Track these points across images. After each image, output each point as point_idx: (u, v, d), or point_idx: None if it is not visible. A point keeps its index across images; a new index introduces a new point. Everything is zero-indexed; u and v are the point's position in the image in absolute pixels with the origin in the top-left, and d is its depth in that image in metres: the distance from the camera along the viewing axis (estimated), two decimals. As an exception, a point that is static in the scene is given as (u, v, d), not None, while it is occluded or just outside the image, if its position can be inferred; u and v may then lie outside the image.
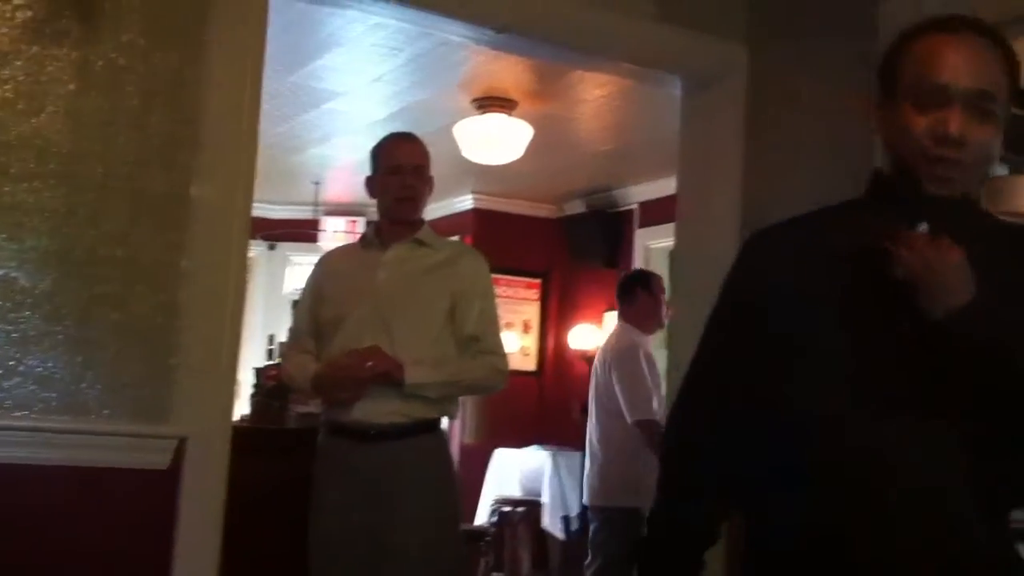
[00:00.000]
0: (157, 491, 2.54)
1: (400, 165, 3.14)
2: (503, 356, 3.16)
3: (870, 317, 1.48)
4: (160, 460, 2.53)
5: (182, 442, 2.55)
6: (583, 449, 5.55)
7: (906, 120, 1.49)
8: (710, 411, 1.64)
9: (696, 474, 1.64)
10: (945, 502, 1.45)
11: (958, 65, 1.48)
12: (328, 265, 3.27)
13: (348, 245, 3.43)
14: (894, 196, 1.54)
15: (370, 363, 2.90)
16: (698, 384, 1.69)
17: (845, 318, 1.49)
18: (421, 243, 3.15)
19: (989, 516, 1.48)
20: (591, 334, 7.58)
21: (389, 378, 2.92)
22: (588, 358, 7.58)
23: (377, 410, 2.94)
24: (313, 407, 4.17)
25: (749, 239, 1.67)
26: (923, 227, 1.45)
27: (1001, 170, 3.82)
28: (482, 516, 6.97)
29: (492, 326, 3.14)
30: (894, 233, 1.45)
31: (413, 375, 2.93)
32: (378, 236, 3.18)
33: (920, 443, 1.44)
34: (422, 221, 3.20)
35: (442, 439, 3.09)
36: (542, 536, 6.76)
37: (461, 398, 3.24)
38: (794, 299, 1.53)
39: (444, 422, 3.14)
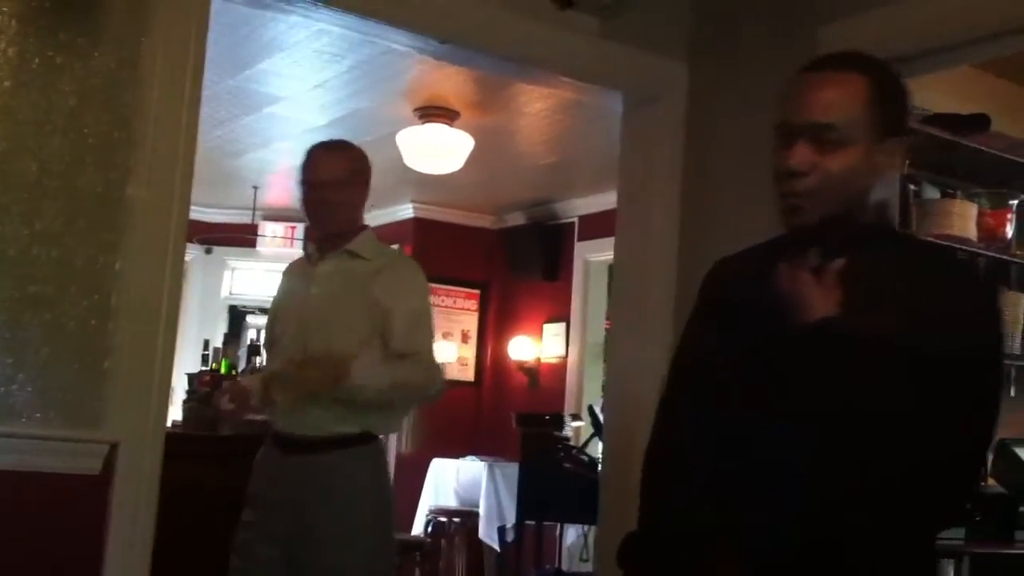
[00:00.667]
0: (88, 497, 2.50)
1: (305, 180, 3.01)
2: (439, 368, 3.07)
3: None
4: (91, 465, 2.50)
5: (114, 447, 2.52)
6: (520, 460, 5.57)
7: (772, 164, 1.63)
8: (685, 423, 1.73)
9: (678, 482, 1.71)
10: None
11: (803, 102, 1.60)
12: (283, 279, 3.22)
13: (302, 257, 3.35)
14: (795, 239, 1.66)
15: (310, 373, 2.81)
16: (671, 400, 1.78)
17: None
18: (353, 255, 3.03)
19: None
20: (530, 346, 7.61)
21: (336, 382, 2.78)
22: (526, 369, 7.63)
23: (301, 421, 2.87)
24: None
25: (711, 268, 1.82)
26: (812, 253, 1.58)
27: (932, 192, 3.91)
28: (418, 526, 6.95)
29: (426, 340, 2.99)
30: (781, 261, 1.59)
31: (358, 375, 2.79)
32: (318, 249, 3.09)
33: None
34: (363, 228, 3.09)
35: (370, 456, 2.94)
36: (478, 546, 6.76)
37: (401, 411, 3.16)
38: (752, 311, 1.65)
39: (390, 439, 3.06)
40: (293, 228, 8.20)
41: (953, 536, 3.45)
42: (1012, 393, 4.11)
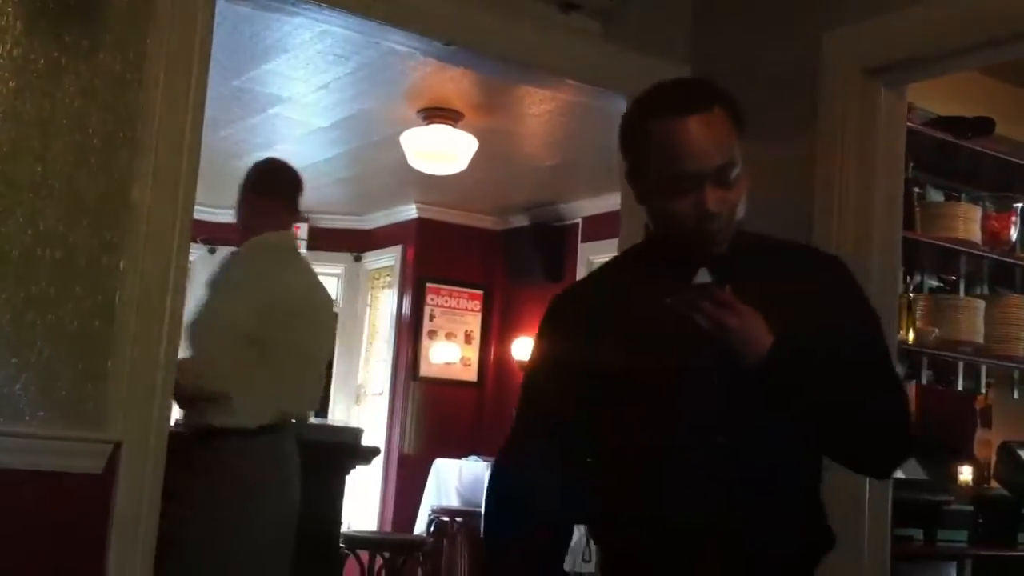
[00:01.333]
0: (91, 496, 2.50)
1: None
2: (206, 354, 3.07)
3: (677, 358, 1.68)
4: (94, 464, 2.50)
5: (117, 447, 2.52)
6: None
7: (666, 203, 1.69)
8: (525, 458, 1.84)
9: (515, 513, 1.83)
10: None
11: (695, 149, 1.65)
12: None
13: None
14: (665, 255, 1.76)
15: None
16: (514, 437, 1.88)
17: (651, 359, 1.69)
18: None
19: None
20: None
21: None
22: (528, 370, 7.62)
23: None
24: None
25: (551, 303, 1.91)
26: (703, 274, 1.65)
27: (936, 195, 3.91)
28: (420, 526, 6.95)
29: (202, 323, 3.10)
30: (685, 294, 1.63)
31: None
32: None
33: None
34: (274, 231, 3.41)
35: (216, 452, 3.07)
36: (480, 546, 6.76)
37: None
38: (601, 345, 1.74)
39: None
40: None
41: (955, 539, 3.45)
42: (1016, 395, 4.11)
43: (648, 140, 1.71)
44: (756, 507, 1.64)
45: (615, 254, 3.87)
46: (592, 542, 1.87)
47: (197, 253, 8.00)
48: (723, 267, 1.68)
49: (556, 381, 1.83)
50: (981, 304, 3.75)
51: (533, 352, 1.93)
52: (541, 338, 1.89)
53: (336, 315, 3.66)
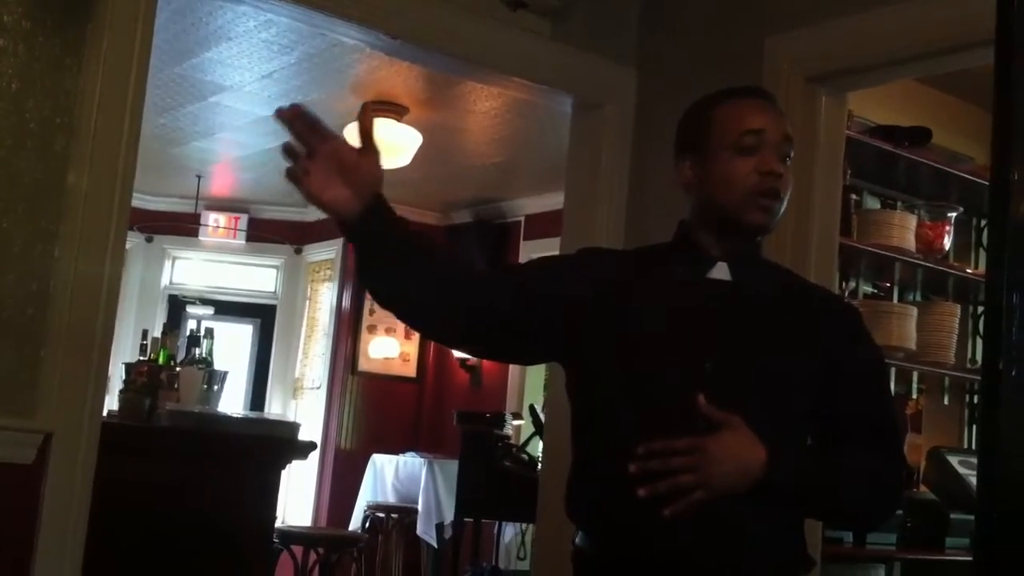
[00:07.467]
0: (20, 486, 2.46)
1: None
2: None
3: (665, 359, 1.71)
4: (24, 455, 2.46)
5: (48, 437, 2.48)
6: (459, 457, 5.57)
7: (728, 166, 1.73)
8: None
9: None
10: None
11: (768, 118, 1.75)
12: None
13: None
14: (691, 246, 1.81)
15: None
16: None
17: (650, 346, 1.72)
18: None
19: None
20: (472, 343, 7.58)
21: None
22: (468, 367, 7.62)
23: None
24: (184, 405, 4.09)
25: (585, 248, 1.95)
26: (720, 269, 1.76)
27: (873, 203, 3.97)
28: (356, 521, 6.92)
29: None
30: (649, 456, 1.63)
31: None
32: None
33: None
34: None
35: None
36: (415, 543, 6.74)
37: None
38: (610, 302, 1.76)
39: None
40: (236, 219, 8.12)
41: (885, 542, 3.50)
42: (946, 401, 4.19)
43: (719, 114, 1.76)
44: (739, 523, 1.65)
45: (556, 254, 3.91)
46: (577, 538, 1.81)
47: (134, 241, 7.90)
48: (742, 266, 1.76)
49: (558, 284, 1.82)
50: (914, 311, 3.81)
51: (546, 258, 2.07)
52: (566, 257, 2.01)
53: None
